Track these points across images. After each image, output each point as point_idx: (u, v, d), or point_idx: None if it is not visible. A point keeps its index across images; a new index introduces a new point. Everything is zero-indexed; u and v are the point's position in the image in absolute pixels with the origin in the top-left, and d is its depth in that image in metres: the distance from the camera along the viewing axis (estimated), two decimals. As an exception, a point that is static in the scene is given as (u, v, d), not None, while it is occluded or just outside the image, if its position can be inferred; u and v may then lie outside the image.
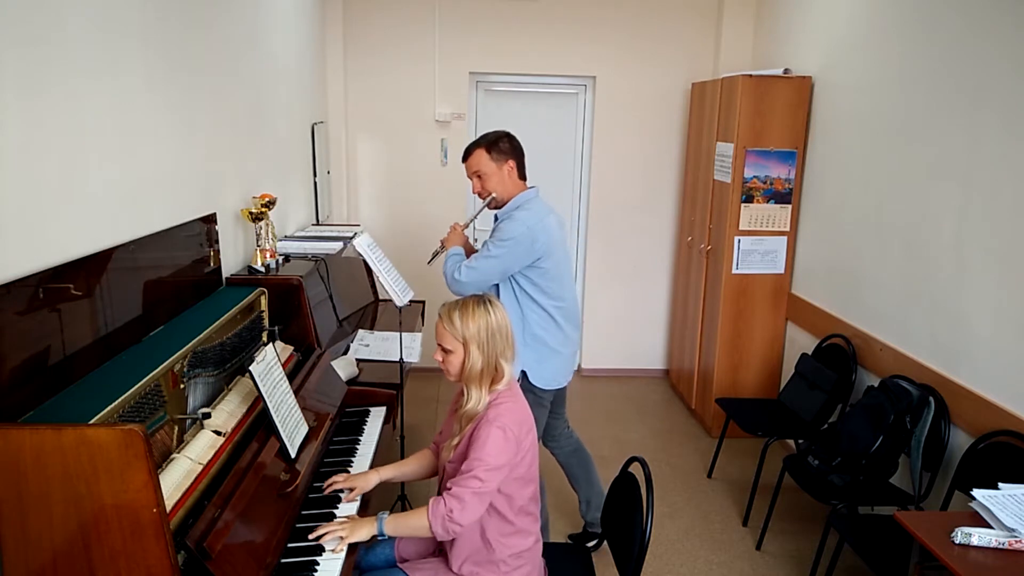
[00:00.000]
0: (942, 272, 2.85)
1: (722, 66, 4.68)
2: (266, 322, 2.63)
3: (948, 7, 2.85)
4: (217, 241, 2.60)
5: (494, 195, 2.72)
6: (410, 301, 2.98)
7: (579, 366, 5.27)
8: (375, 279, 3.68)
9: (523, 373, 2.71)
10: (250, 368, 1.94)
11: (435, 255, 2.83)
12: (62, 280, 1.65)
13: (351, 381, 2.83)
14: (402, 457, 3.06)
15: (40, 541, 1.39)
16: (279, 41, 3.54)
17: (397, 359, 2.95)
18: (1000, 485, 2.14)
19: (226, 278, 2.70)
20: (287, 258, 3.08)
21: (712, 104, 4.27)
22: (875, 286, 3.30)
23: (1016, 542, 1.92)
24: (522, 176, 2.78)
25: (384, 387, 2.86)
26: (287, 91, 3.69)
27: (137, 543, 1.41)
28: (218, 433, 1.92)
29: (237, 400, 2.13)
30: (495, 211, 2.77)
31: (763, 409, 3.77)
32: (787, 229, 4.06)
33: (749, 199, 4.01)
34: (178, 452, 1.77)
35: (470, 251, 2.84)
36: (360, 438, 2.55)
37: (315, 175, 4.24)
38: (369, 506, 2.19)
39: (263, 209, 2.84)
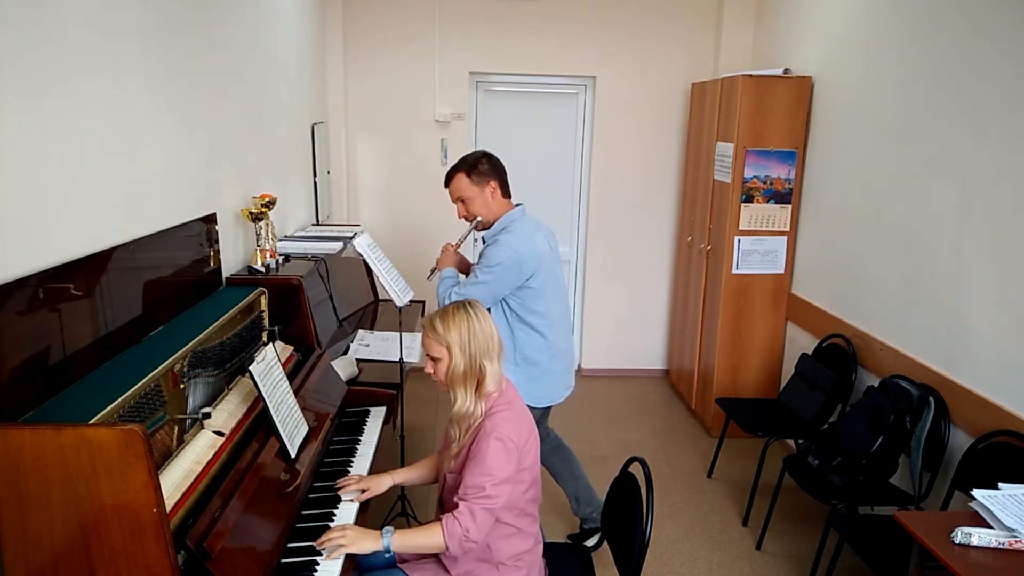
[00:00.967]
0: (942, 272, 2.85)
1: (722, 66, 4.68)
2: (266, 322, 2.63)
3: (948, 7, 2.85)
4: (217, 241, 2.60)
5: (479, 218, 2.73)
6: (410, 301, 2.98)
7: (579, 366, 5.27)
8: (375, 279, 3.68)
9: None
10: (250, 368, 1.94)
11: (433, 272, 2.87)
12: (62, 280, 1.65)
13: (351, 381, 2.83)
14: (401, 457, 3.08)
15: (40, 541, 1.39)
16: (279, 41, 3.54)
17: (397, 359, 2.95)
18: (1000, 485, 2.14)
19: (226, 278, 2.70)
20: (287, 258, 3.08)
21: (712, 104, 4.27)
22: (875, 286, 3.30)
23: (1016, 542, 1.92)
24: (506, 195, 2.78)
25: (384, 387, 2.86)
26: (287, 91, 3.69)
27: (137, 543, 1.40)
28: (218, 433, 1.92)
29: (237, 400, 2.13)
30: (482, 232, 2.78)
31: (763, 409, 3.77)
32: (787, 229, 4.06)
33: (749, 199, 4.01)
34: (178, 452, 1.77)
35: (467, 267, 2.88)
36: (360, 438, 2.55)
37: (315, 175, 4.24)
38: (369, 507, 2.19)
39: (263, 209, 2.84)
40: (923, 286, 2.96)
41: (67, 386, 1.65)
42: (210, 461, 1.80)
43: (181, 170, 2.38)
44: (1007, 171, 2.53)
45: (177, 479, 1.68)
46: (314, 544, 1.87)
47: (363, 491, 2.15)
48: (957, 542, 1.93)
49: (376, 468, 2.40)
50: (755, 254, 4.09)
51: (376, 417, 2.72)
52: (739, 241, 4.06)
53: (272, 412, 1.99)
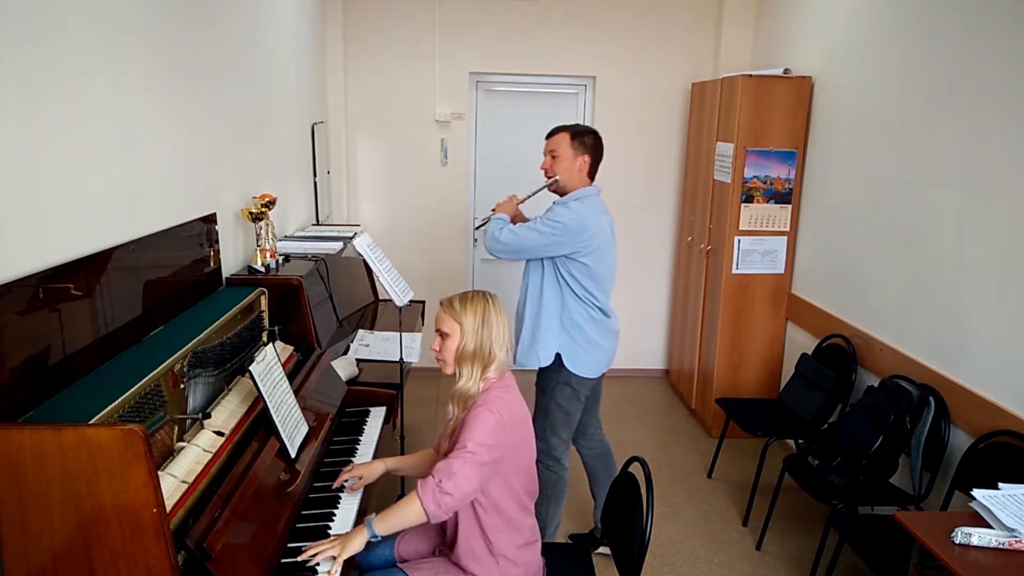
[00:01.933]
0: (942, 272, 2.85)
1: (722, 66, 4.68)
2: (266, 322, 2.63)
3: (948, 7, 2.85)
4: (217, 241, 2.60)
5: (558, 178, 2.78)
6: (410, 301, 2.98)
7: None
8: (375, 279, 3.68)
9: (558, 356, 2.77)
10: (250, 368, 1.94)
11: (485, 221, 2.87)
12: (62, 280, 1.65)
13: (351, 381, 2.83)
14: (402, 457, 3.08)
15: (40, 541, 1.39)
16: (279, 41, 3.54)
17: (397, 359, 2.95)
18: (1000, 485, 2.14)
19: (226, 278, 2.70)
20: (287, 258, 3.08)
21: (712, 104, 4.27)
22: (875, 286, 3.30)
23: (1016, 542, 1.92)
24: (591, 176, 2.84)
25: (384, 387, 2.86)
26: (287, 91, 3.69)
27: (137, 543, 1.40)
28: (218, 433, 1.92)
29: (237, 400, 2.13)
30: (554, 193, 2.83)
31: (763, 409, 3.77)
32: (787, 229, 4.06)
33: (749, 199, 4.01)
34: (178, 452, 1.77)
35: (522, 222, 2.90)
36: (360, 438, 2.55)
37: (315, 175, 4.24)
38: (369, 508, 2.19)
39: (263, 209, 2.84)
40: (923, 286, 2.96)
41: (67, 386, 1.65)
42: (210, 461, 1.80)
43: (181, 170, 2.38)
44: (1007, 171, 2.53)
45: (177, 479, 1.67)
46: (300, 559, 1.80)
47: (359, 478, 2.16)
48: (957, 542, 1.93)
49: (376, 468, 2.40)
50: (755, 254, 4.09)
51: (376, 417, 2.72)
52: (739, 241, 4.06)
53: (272, 412, 1.99)
